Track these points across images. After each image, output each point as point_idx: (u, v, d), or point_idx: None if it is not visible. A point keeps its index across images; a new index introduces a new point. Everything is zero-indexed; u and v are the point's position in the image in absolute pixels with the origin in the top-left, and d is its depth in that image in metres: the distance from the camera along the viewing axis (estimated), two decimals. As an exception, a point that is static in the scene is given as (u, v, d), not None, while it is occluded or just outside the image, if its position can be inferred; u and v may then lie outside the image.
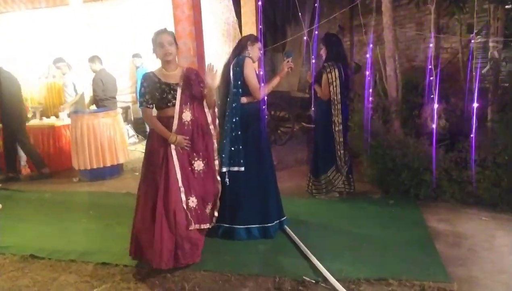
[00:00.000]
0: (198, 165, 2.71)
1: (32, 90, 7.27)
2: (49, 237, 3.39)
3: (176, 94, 2.61)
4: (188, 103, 2.66)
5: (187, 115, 2.65)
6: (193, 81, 2.67)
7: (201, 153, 2.72)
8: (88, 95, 6.46)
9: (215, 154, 2.84)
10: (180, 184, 2.59)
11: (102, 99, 5.89)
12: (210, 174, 2.79)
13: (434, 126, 3.58)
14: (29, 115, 6.13)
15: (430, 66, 3.82)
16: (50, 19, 6.93)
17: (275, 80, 3.19)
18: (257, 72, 3.15)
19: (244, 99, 3.07)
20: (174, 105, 2.61)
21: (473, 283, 2.32)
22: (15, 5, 6.65)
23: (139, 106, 2.67)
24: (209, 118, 2.79)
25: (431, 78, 3.82)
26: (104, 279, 2.63)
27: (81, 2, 6.46)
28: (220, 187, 2.90)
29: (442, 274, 2.41)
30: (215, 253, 2.86)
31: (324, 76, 3.74)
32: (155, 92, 2.59)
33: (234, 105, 3.05)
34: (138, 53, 6.97)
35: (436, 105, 3.60)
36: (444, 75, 5.77)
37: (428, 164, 3.57)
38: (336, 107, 3.73)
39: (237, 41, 3.42)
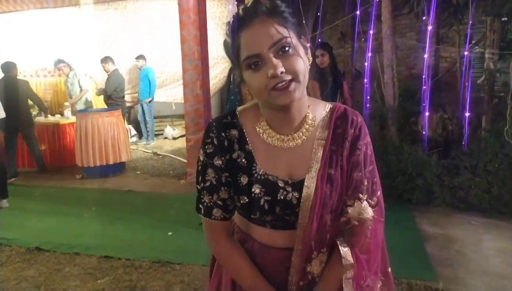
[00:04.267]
0: None
1: (37, 88, 7.40)
2: (54, 231, 3.51)
3: (301, 205, 0.91)
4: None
5: (315, 264, 0.96)
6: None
7: None
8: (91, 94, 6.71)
9: None
10: None
11: (114, 98, 6.21)
12: None
13: (424, 133, 3.71)
14: (35, 112, 6.25)
15: (424, 76, 3.94)
16: (57, 19, 7.07)
17: None
18: None
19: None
20: (292, 227, 0.93)
21: (458, 283, 2.44)
22: (24, 5, 6.78)
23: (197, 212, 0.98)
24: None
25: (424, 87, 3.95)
26: (107, 271, 2.75)
27: (90, 3, 6.64)
28: None
29: (430, 273, 2.53)
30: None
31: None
32: (240, 193, 0.93)
33: None
34: (142, 55, 6.88)
35: (427, 113, 3.73)
36: (442, 84, 5.93)
37: (422, 170, 3.69)
38: None
39: None
